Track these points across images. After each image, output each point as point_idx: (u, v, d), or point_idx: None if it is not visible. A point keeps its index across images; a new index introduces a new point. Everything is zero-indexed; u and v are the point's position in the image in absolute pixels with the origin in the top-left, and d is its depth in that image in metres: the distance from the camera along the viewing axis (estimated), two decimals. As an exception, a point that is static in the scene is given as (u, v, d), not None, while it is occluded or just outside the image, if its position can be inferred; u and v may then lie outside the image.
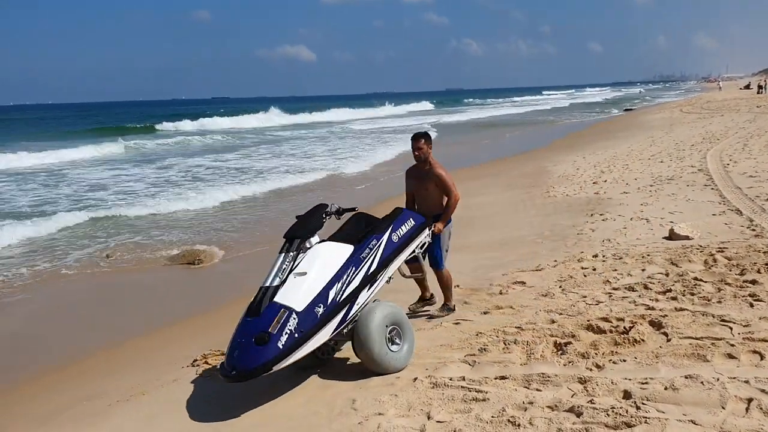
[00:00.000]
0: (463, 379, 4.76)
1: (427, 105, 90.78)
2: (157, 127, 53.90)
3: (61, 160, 28.65)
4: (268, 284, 4.84)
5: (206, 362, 5.85)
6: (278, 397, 4.88)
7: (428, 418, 4.20)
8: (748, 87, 73.81)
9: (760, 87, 60.92)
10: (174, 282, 9.52)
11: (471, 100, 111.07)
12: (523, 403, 4.23)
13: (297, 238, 5.10)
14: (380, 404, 4.52)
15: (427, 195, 6.22)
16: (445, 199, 6.22)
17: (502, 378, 4.68)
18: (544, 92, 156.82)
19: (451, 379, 4.77)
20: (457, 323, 6.16)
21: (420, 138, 6.14)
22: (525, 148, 25.49)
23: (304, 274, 4.88)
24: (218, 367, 4.72)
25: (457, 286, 7.37)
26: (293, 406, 4.72)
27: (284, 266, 4.93)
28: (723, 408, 3.87)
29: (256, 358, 4.45)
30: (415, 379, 4.88)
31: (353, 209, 5.84)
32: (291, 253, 5.00)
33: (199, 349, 6.19)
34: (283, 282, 4.81)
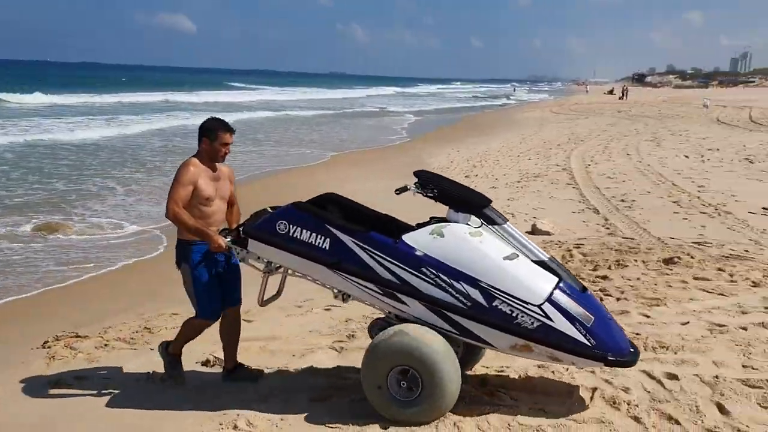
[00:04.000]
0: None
1: (388, 90, 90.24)
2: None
3: None
4: (546, 257, 4.03)
5: (60, 344, 5.53)
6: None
7: (286, 402, 4.21)
8: (611, 92, 78.80)
9: (623, 92, 65.36)
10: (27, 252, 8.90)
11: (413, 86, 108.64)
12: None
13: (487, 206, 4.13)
14: (244, 392, 4.46)
15: (224, 201, 4.58)
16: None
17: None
18: (453, 83, 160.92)
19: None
20: (327, 309, 6.18)
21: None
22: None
23: None
24: (604, 355, 3.71)
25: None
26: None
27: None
28: (570, 397, 4.14)
29: None
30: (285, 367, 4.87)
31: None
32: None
33: (49, 330, 5.84)
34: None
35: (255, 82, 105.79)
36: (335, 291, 4.11)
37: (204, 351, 5.19)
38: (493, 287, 3.72)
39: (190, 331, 4.64)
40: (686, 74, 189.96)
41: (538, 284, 3.77)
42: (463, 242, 3.85)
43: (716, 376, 4.38)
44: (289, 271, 4.29)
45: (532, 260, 3.92)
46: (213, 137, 4.39)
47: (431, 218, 4.15)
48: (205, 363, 5.02)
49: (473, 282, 3.74)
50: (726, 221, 9.60)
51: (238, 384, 4.59)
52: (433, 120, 38.36)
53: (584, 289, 3.96)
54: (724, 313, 5.71)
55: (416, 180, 4.11)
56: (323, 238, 3.99)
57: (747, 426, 3.77)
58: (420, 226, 4.02)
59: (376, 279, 3.90)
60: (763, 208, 10.38)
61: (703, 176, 14.01)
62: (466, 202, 4.06)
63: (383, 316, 4.11)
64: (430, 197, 4.05)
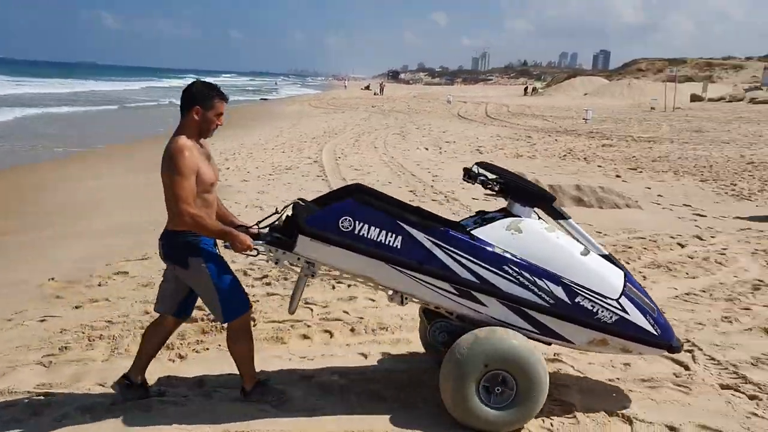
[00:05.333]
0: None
1: (165, 82, 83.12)
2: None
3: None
4: (607, 252, 3.98)
5: None
6: None
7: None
8: (367, 88, 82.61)
9: (380, 88, 68.83)
10: None
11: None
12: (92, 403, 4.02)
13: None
14: None
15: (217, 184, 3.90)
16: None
17: (77, 379, 4.41)
18: (222, 75, 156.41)
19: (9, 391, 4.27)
20: (42, 320, 5.62)
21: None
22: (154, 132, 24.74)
23: None
24: (669, 342, 3.89)
25: (53, 278, 6.77)
26: None
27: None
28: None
29: None
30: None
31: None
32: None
33: None
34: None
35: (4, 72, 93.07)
36: (391, 292, 3.79)
37: None
38: (575, 283, 3.69)
39: (243, 343, 3.87)
40: (435, 72, 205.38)
41: (613, 278, 3.80)
42: (543, 238, 3.77)
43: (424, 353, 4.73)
44: (328, 271, 3.87)
45: (599, 255, 3.91)
46: (208, 105, 3.67)
47: (477, 213, 4.07)
48: None
49: (556, 279, 3.68)
50: (453, 207, 10.48)
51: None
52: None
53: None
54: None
55: (478, 171, 3.94)
56: (394, 236, 3.63)
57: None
58: (484, 220, 3.86)
59: (453, 279, 3.65)
60: (485, 194, 11.50)
61: (438, 167, 15.18)
62: (537, 195, 3.93)
63: (438, 316, 3.87)
64: (494, 189, 3.91)
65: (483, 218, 3.94)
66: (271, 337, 5.06)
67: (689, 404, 4.09)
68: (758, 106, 44.23)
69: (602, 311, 3.72)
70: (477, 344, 3.57)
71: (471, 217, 4.09)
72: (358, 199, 3.70)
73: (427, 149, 18.88)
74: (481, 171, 3.99)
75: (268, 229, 3.89)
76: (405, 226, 3.64)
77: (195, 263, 3.70)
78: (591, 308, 3.71)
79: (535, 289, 3.67)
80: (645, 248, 7.97)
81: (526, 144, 20.77)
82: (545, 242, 3.76)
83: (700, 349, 4.91)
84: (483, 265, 3.64)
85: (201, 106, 3.66)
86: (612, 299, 3.74)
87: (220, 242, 3.82)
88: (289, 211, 3.92)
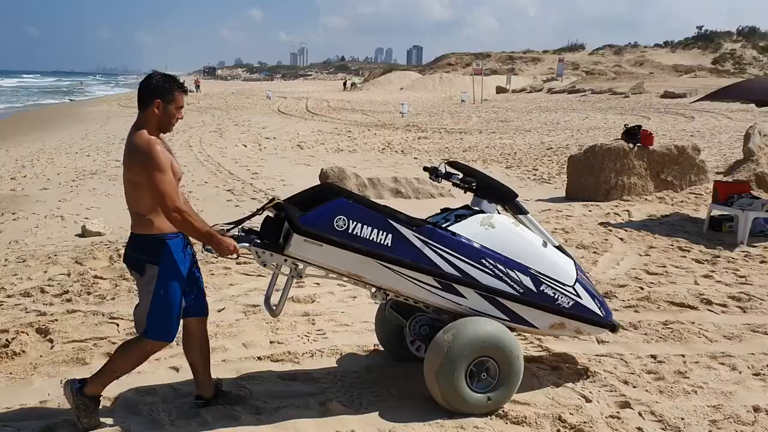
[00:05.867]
0: None
1: None
2: None
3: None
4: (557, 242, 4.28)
5: None
6: None
7: None
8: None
9: (196, 85, 66.45)
10: None
11: None
12: None
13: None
14: None
15: None
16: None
17: None
18: (22, 76, 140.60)
19: None
20: None
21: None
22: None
23: None
24: (612, 321, 4.26)
25: None
26: None
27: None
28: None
29: None
30: None
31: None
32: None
33: None
34: None
35: None
36: (374, 290, 3.88)
37: None
38: (540, 273, 3.96)
39: (134, 359, 3.65)
40: (253, 68, 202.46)
41: (568, 267, 4.09)
42: (512, 232, 4.01)
43: (244, 357, 4.55)
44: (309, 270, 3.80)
45: (554, 246, 4.16)
46: (169, 98, 3.45)
47: (442, 210, 4.28)
48: None
49: (524, 269, 3.93)
50: (273, 205, 10.30)
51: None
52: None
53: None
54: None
55: (446, 170, 4.28)
56: (385, 234, 3.69)
57: (264, 402, 3.96)
58: (457, 217, 4.05)
59: (437, 273, 3.79)
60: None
61: (258, 164, 14.90)
62: (504, 193, 4.18)
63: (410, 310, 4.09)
64: (465, 187, 4.13)
65: (455, 215, 4.14)
66: (72, 359, 4.61)
67: (500, 381, 4.27)
68: (555, 95, 48.37)
69: (561, 297, 4.05)
70: (464, 334, 3.76)
71: (438, 214, 4.27)
72: (351, 198, 3.73)
73: (245, 146, 18.48)
74: (450, 170, 4.29)
75: (238, 230, 3.73)
76: (395, 225, 3.74)
77: (150, 270, 3.51)
78: (553, 295, 4.03)
79: (508, 280, 3.92)
80: (458, 234, 8.31)
81: (347, 138, 21.02)
82: (514, 236, 4.03)
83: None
84: (464, 259, 3.84)
85: (162, 100, 3.46)
86: (569, 286, 4.07)
87: (199, 245, 3.52)
88: (268, 213, 3.81)
